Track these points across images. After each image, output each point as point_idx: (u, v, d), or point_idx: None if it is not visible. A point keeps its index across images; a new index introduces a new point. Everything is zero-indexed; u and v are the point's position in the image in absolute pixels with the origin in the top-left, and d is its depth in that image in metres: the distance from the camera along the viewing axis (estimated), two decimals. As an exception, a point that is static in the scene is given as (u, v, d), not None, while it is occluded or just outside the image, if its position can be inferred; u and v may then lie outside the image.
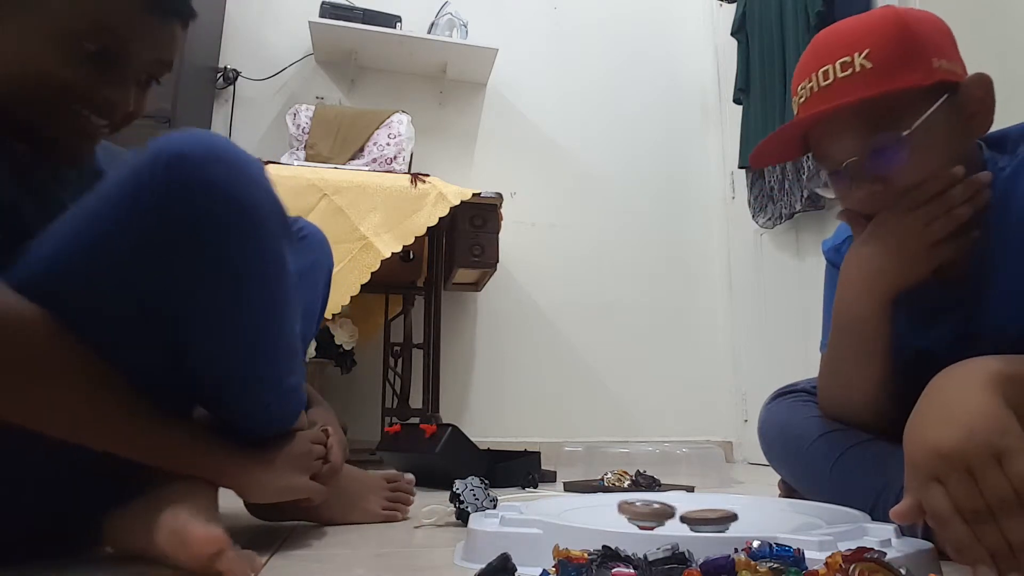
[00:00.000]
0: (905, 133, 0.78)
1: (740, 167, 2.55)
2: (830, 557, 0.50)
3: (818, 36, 0.87)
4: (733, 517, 0.74)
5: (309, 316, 1.01)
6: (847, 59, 0.80)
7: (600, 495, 1.24)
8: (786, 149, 0.92)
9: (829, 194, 0.91)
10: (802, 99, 0.86)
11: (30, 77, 0.68)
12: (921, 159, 0.79)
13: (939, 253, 0.82)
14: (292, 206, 1.82)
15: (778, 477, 1.11)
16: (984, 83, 0.80)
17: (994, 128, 0.86)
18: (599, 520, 0.76)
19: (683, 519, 0.75)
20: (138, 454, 0.68)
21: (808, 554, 0.53)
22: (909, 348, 0.90)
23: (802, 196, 2.17)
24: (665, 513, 0.73)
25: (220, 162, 0.64)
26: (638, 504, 0.73)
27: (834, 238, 1.05)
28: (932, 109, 0.78)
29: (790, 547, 0.51)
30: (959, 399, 0.62)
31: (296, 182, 1.90)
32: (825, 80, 0.81)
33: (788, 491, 1.08)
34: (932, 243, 0.81)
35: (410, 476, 1.14)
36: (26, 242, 0.65)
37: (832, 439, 0.92)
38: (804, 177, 2.22)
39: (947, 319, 0.87)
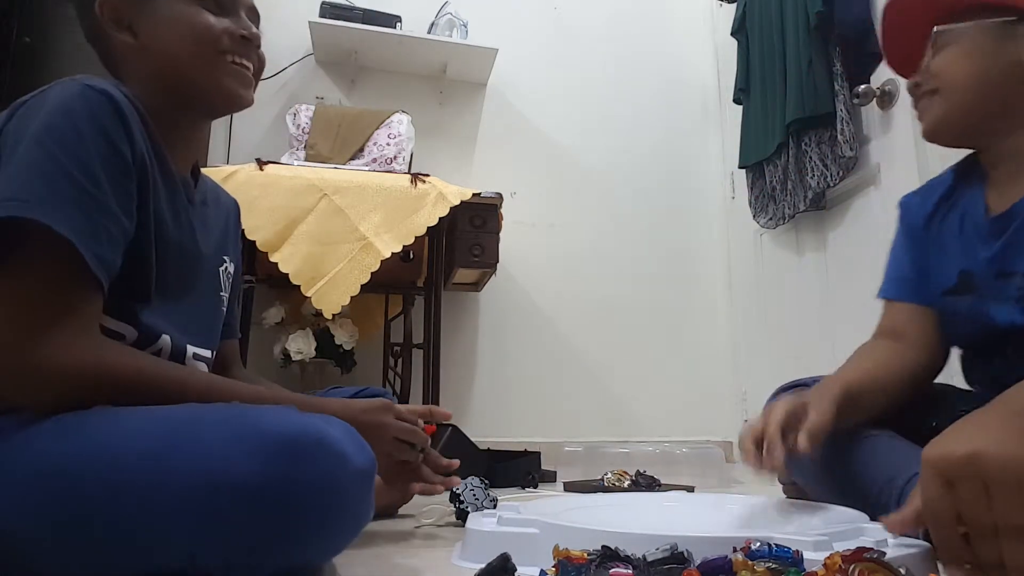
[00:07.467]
0: (936, 29, 0.79)
1: (740, 167, 2.54)
2: (829, 557, 0.50)
3: None
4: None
5: None
6: None
7: (600, 495, 1.24)
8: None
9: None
10: None
11: (187, 37, 0.82)
12: (953, 66, 0.80)
13: None
14: (292, 206, 1.86)
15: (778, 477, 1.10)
16: None
17: None
18: (599, 520, 0.76)
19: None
20: None
21: (806, 554, 0.53)
22: (977, 318, 0.88)
23: (805, 197, 2.16)
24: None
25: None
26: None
27: (918, 194, 1.02)
28: (977, 21, 0.77)
29: (789, 547, 0.51)
30: (1011, 416, 0.59)
31: (296, 182, 1.90)
32: None
33: (797, 492, 1.08)
34: None
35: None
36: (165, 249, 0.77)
37: (832, 437, 0.92)
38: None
39: (990, 247, 0.86)
